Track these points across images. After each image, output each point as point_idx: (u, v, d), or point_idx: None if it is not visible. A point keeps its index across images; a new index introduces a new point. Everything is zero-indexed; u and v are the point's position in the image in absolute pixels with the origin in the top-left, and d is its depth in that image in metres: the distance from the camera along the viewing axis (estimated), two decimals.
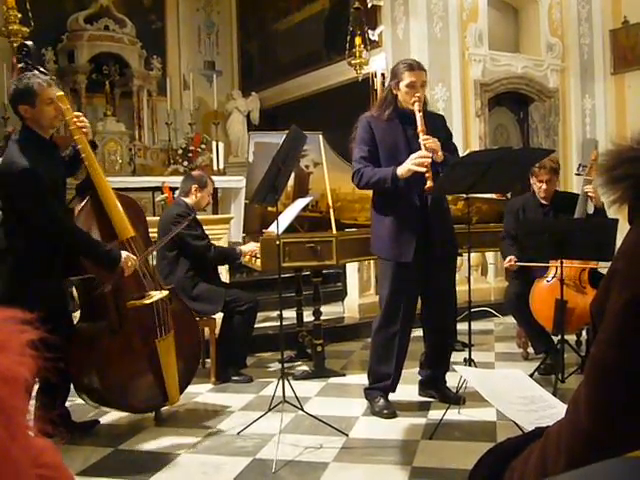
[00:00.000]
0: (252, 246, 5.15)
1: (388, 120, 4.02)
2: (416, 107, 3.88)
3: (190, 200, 5.12)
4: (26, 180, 3.41)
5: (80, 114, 3.81)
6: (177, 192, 5.37)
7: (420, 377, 4.46)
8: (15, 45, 6.69)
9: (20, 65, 3.93)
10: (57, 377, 3.23)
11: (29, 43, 4.00)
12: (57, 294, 3.69)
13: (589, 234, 4.17)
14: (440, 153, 3.82)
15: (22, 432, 0.65)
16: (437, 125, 4.08)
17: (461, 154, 4.44)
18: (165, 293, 3.94)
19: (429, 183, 3.70)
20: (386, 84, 4.24)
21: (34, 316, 0.71)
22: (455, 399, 4.03)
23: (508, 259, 4.88)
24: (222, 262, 5.44)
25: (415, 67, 4.00)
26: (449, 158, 3.94)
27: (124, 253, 3.70)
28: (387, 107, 4.04)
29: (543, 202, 5.05)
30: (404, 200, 3.98)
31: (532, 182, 5.06)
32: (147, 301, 3.83)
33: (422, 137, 3.79)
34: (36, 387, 3.41)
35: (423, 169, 3.72)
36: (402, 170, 3.81)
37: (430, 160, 3.74)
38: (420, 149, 3.79)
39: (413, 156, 3.78)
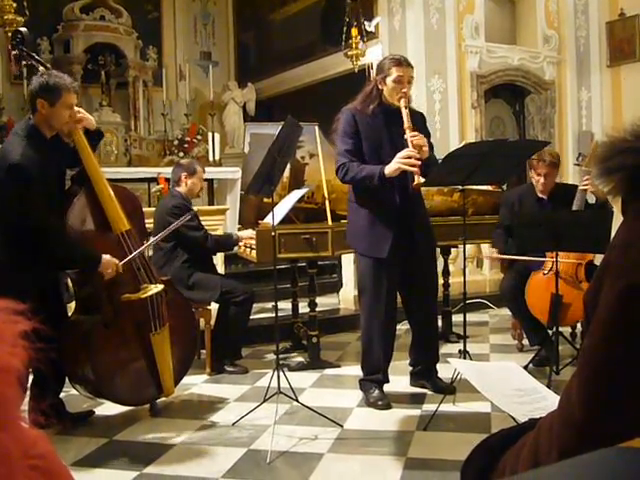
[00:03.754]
0: (249, 232, 5.14)
1: (372, 115, 3.99)
2: (402, 103, 3.86)
3: (182, 189, 5.10)
4: (12, 174, 3.38)
5: (79, 109, 3.76)
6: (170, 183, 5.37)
7: (410, 368, 4.48)
8: (9, 34, 6.67)
9: (14, 52, 3.91)
10: (49, 368, 3.22)
11: (23, 30, 3.97)
12: (51, 284, 3.69)
13: (585, 227, 4.17)
14: (426, 149, 3.82)
15: (14, 423, 0.65)
16: (418, 123, 4.02)
17: (457, 146, 4.44)
18: (160, 287, 3.91)
19: (417, 179, 3.70)
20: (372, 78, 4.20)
21: (27, 307, 0.71)
22: (447, 389, 4.05)
23: (491, 251, 4.90)
24: (220, 250, 5.44)
25: (403, 63, 3.98)
26: (432, 157, 3.95)
27: (106, 257, 3.64)
28: (372, 102, 4.01)
29: (541, 196, 5.04)
30: (384, 196, 3.97)
31: (531, 175, 5.05)
32: (142, 295, 3.81)
33: (409, 134, 3.77)
34: (30, 378, 3.42)
35: (414, 169, 3.71)
36: (390, 169, 3.79)
37: (418, 158, 3.72)
38: (404, 146, 3.78)
39: (401, 154, 3.76)
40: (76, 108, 3.71)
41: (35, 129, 3.56)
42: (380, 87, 4.01)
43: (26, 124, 3.61)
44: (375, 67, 4.15)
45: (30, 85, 3.62)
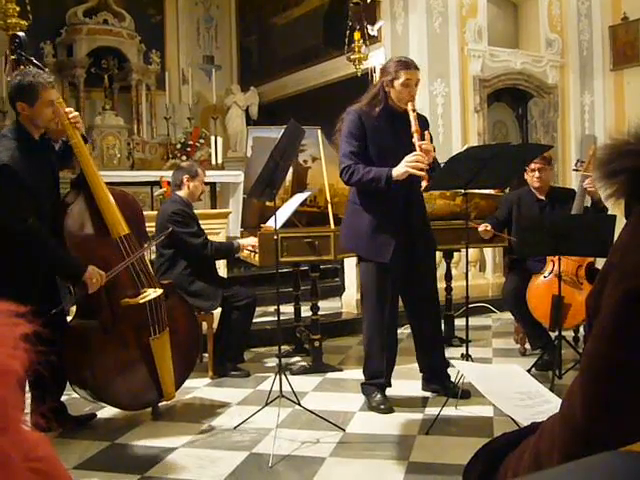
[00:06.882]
0: (251, 240, 5.13)
1: (378, 117, 3.96)
2: (410, 107, 3.84)
3: (184, 193, 5.08)
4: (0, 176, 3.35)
5: (71, 109, 3.73)
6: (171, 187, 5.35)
7: (422, 373, 4.45)
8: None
9: (13, 57, 3.88)
10: (50, 371, 3.20)
11: (21, 34, 3.95)
12: (50, 287, 3.68)
13: (587, 230, 4.17)
14: (433, 154, 3.80)
15: (14, 425, 0.65)
16: (422, 127, 3.95)
17: (460, 150, 4.44)
18: (160, 291, 3.91)
19: (424, 183, 3.68)
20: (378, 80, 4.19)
21: (28, 309, 0.70)
22: (460, 393, 4.02)
23: (484, 225, 4.93)
24: (220, 257, 5.41)
25: (411, 66, 3.95)
26: (435, 161, 3.94)
27: (91, 268, 3.57)
28: (378, 104, 3.97)
29: (539, 197, 5.06)
30: (388, 199, 3.94)
31: (526, 175, 5.08)
32: (140, 300, 3.81)
33: (417, 138, 3.74)
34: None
35: (422, 173, 3.67)
36: (398, 172, 3.75)
37: (427, 162, 3.70)
38: (411, 150, 3.74)
39: (409, 158, 3.72)
40: (68, 109, 3.69)
41: (22, 129, 3.52)
42: (387, 90, 3.98)
43: (14, 125, 3.58)
44: (379, 69, 4.14)
45: (8, 87, 3.58)
